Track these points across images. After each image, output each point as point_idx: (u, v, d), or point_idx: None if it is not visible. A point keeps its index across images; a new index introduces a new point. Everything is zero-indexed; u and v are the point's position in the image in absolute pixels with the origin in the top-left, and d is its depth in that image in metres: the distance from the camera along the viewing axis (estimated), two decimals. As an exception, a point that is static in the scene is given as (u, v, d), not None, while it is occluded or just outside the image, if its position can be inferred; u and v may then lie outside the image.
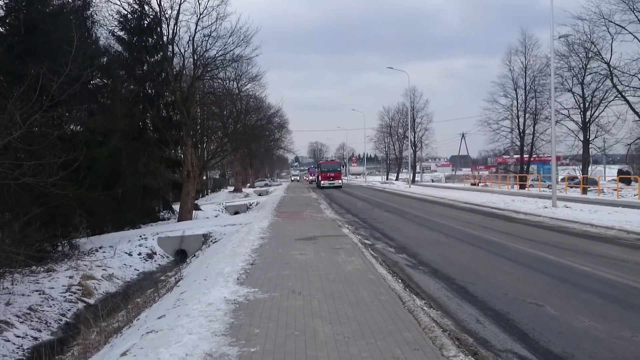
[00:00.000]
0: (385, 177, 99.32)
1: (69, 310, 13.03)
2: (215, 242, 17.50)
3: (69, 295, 13.71)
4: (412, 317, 7.14)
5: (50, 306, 12.85)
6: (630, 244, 13.98)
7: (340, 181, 63.79)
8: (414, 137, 78.66)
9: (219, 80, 32.18)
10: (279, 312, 7.39)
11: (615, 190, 35.17)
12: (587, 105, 44.26)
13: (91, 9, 24.87)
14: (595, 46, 41.01)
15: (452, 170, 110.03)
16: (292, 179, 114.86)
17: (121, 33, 27.70)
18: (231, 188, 70.52)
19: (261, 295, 8.34)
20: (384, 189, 58.54)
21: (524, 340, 6.66)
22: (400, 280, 9.87)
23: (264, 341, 6.16)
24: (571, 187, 41.70)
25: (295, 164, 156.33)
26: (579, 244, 14.15)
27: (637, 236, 14.95)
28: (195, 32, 25.99)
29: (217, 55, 27.03)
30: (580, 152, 45.58)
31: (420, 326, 6.75)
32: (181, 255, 19.18)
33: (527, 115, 51.27)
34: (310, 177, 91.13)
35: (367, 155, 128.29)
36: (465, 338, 6.68)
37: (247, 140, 37.41)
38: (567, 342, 6.48)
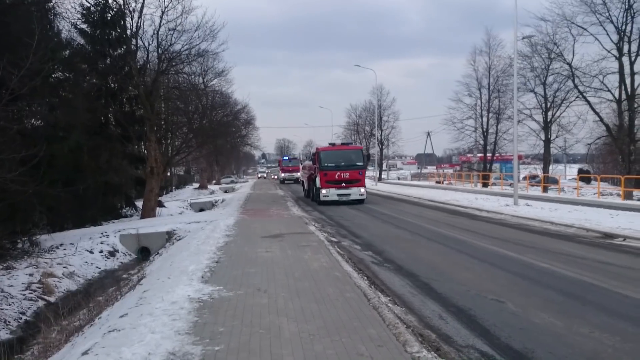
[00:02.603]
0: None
1: (28, 308, 12.71)
2: (180, 239, 17.30)
3: (29, 293, 13.37)
4: (376, 314, 7.19)
5: (10, 304, 12.51)
6: (589, 242, 14.36)
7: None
8: (381, 135, 79.15)
9: (184, 75, 31.77)
10: (244, 311, 7.35)
11: (575, 189, 36.07)
12: (548, 106, 45.34)
13: (53, 1, 24.26)
14: (557, 47, 42.02)
15: (418, 168, 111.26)
16: (259, 175, 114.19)
17: (84, 26, 27.08)
18: (196, 185, 69.75)
19: (226, 294, 8.28)
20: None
21: (485, 336, 6.77)
22: (365, 278, 9.93)
23: (229, 339, 6.12)
24: (532, 185, 42.63)
25: (262, 160, 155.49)
26: (539, 242, 14.46)
27: (596, 234, 15.36)
28: (160, 26, 25.58)
29: (182, 49, 26.68)
30: (542, 151, 46.69)
31: (384, 323, 6.80)
32: (144, 253, 18.91)
33: (490, 114, 52.21)
34: (282, 175, 69.20)
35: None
36: (428, 334, 6.76)
37: (213, 137, 37.05)
38: (527, 337, 6.61)
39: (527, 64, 44.44)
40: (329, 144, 30.99)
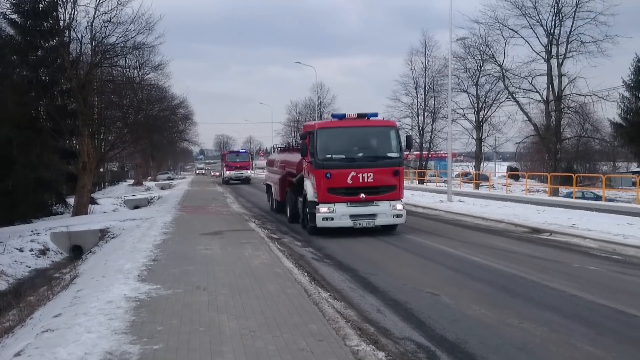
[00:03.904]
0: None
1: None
2: (114, 237, 16.83)
3: (-48, 294, 12.69)
4: (317, 309, 7.30)
5: None
6: (517, 237, 15.02)
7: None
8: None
9: (119, 68, 30.84)
10: (183, 309, 7.29)
11: (505, 185, 37.52)
12: (480, 106, 47.05)
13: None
14: (490, 49, 43.61)
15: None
16: (197, 172, 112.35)
17: (14, 16, 25.87)
18: (131, 181, 67.88)
19: (164, 292, 8.18)
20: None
21: (421, 328, 7.01)
22: (306, 274, 10.03)
23: (168, 338, 6.07)
24: (465, 182, 44.04)
25: (201, 156, 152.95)
26: (472, 236, 15.00)
27: (524, 229, 16.07)
28: (95, 18, 24.72)
29: (117, 42, 25.93)
30: (474, 149, 48.42)
31: (324, 318, 6.93)
32: (76, 252, 18.28)
33: (426, 113, 53.59)
34: (227, 173, 52.52)
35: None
36: (367, 328, 6.93)
37: (149, 132, 36.16)
38: (460, 329, 6.89)
39: (461, 65, 45.92)
40: (333, 116, 17.29)
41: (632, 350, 6.18)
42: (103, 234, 18.14)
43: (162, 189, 52.58)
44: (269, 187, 24.04)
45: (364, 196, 14.98)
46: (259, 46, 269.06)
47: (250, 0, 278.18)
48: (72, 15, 24.70)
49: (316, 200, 15.18)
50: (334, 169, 14.96)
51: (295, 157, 18.19)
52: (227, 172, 52.53)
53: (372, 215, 15.16)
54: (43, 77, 27.20)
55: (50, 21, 26.23)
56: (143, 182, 64.38)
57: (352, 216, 15.06)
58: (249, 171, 51.97)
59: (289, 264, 10.60)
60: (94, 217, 24.06)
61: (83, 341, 5.82)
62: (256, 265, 10.35)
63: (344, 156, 15.17)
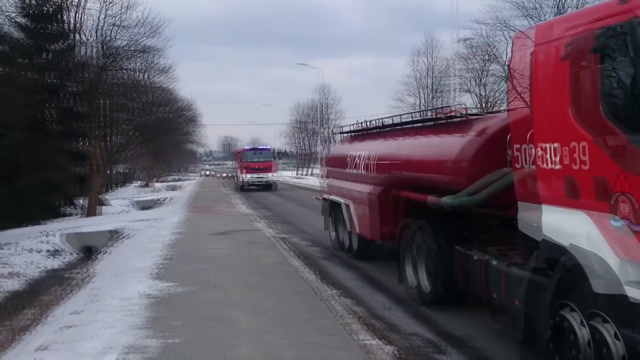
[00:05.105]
0: (297, 172, 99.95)
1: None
2: (127, 238, 17.13)
3: (-32, 294, 12.97)
4: (325, 306, 7.53)
5: (-52, 306, 12.12)
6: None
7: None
8: (326, 133, 79.70)
9: (127, 71, 31.23)
10: (198, 305, 7.53)
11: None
12: (485, 105, 47.07)
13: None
14: (493, 49, 43.60)
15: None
16: (206, 173, 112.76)
17: (22, 19, 26.25)
18: (139, 183, 68.36)
19: (179, 289, 8.42)
20: (296, 183, 59.00)
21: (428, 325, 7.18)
22: (314, 272, 10.24)
23: (185, 332, 6.31)
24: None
25: (208, 158, 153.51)
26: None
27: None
28: (102, 21, 25.13)
29: (124, 45, 26.32)
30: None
31: (332, 314, 7.15)
32: (88, 252, 18.56)
33: (431, 114, 53.41)
34: (245, 176, 40.62)
35: (279, 150, 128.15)
36: (375, 323, 7.13)
37: (157, 134, 36.56)
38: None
39: (464, 65, 45.92)
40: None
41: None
42: (115, 235, 18.41)
43: (170, 190, 52.94)
44: (333, 206, 12.90)
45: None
46: (261, 48, 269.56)
47: (251, 3, 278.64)
48: (80, 19, 25.10)
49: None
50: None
51: (431, 143, 8.31)
52: (245, 176, 40.67)
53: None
54: (51, 80, 27.55)
55: (57, 24, 26.57)
56: (151, 184, 64.85)
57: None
58: (273, 174, 41.40)
59: (297, 263, 10.81)
60: (105, 218, 24.38)
61: (103, 336, 6.08)
62: (265, 264, 10.57)
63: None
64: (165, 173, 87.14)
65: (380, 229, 9.54)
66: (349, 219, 11.21)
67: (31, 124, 24.73)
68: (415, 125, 9.66)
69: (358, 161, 10.95)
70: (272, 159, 41.56)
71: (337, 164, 12.96)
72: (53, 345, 5.92)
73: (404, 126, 10.08)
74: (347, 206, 11.29)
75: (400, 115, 12.17)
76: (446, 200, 6.86)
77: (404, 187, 8.65)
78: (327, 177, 13.98)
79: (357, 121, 12.54)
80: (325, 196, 13.51)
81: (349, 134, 13.15)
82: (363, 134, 12.18)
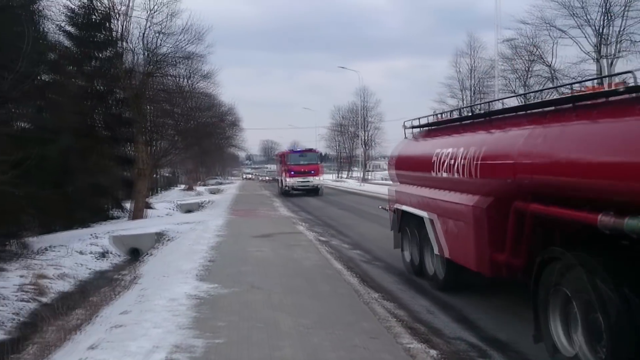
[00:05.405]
0: (337, 175, 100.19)
1: (22, 309, 12.81)
2: (171, 240, 17.50)
3: (22, 294, 13.46)
4: (368, 309, 7.54)
5: (3, 305, 12.63)
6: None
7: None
8: (365, 136, 79.68)
9: (171, 78, 31.93)
10: (242, 306, 7.64)
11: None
12: (530, 106, 46.09)
13: (37, 3, 24.28)
14: (538, 50, 42.76)
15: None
16: (246, 177, 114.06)
17: (70, 28, 27.16)
18: (183, 186, 69.65)
19: (222, 291, 8.55)
20: (336, 187, 59.10)
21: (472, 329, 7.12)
22: (356, 275, 10.25)
23: (229, 333, 6.41)
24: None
25: (248, 162, 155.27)
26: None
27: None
28: (147, 29, 25.78)
29: (168, 52, 26.94)
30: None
31: (375, 317, 7.15)
32: (135, 254, 19.03)
33: (474, 115, 52.67)
34: (289, 180, 39.09)
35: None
36: (418, 327, 7.11)
37: (199, 138, 37.17)
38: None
39: (508, 66, 45.17)
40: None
41: None
42: (160, 237, 18.82)
43: (212, 193, 53.76)
44: (406, 219, 10.50)
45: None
46: (300, 51, 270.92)
47: (290, 8, 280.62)
48: (125, 27, 25.80)
49: None
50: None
51: (602, 132, 5.25)
52: (289, 180, 38.99)
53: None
54: (99, 87, 28.40)
55: (104, 32, 27.38)
56: (194, 187, 66.00)
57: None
58: (319, 177, 39.43)
59: (339, 266, 10.83)
60: (150, 220, 24.97)
61: (151, 335, 6.23)
62: (307, 267, 10.63)
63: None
64: (207, 177, 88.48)
65: (491, 256, 6.90)
66: (435, 238, 8.62)
67: (80, 129, 25.51)
68: (560, 106, 6.18)
69: (447, 162, 8.25)
70: (318, 162, 39.78)
71: (412, 167, 10.39)
72: (103, 344, 6.09)
73: (530, 110, 6.95)
74: (432, 221, 8.77)
75: (489, 102, 10.07)
76: (633, 222, 4.33)
77: (536, 199, 5.95)
78: (398, 182, 11.43)
79: (434, 111, 10.55)
80: (397, 206, 10.82)
81: (431, 127, 10.19)
82: (450, 126, 9.40)
